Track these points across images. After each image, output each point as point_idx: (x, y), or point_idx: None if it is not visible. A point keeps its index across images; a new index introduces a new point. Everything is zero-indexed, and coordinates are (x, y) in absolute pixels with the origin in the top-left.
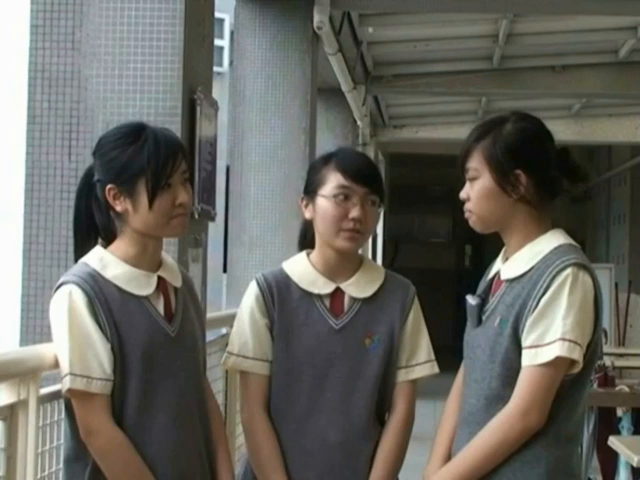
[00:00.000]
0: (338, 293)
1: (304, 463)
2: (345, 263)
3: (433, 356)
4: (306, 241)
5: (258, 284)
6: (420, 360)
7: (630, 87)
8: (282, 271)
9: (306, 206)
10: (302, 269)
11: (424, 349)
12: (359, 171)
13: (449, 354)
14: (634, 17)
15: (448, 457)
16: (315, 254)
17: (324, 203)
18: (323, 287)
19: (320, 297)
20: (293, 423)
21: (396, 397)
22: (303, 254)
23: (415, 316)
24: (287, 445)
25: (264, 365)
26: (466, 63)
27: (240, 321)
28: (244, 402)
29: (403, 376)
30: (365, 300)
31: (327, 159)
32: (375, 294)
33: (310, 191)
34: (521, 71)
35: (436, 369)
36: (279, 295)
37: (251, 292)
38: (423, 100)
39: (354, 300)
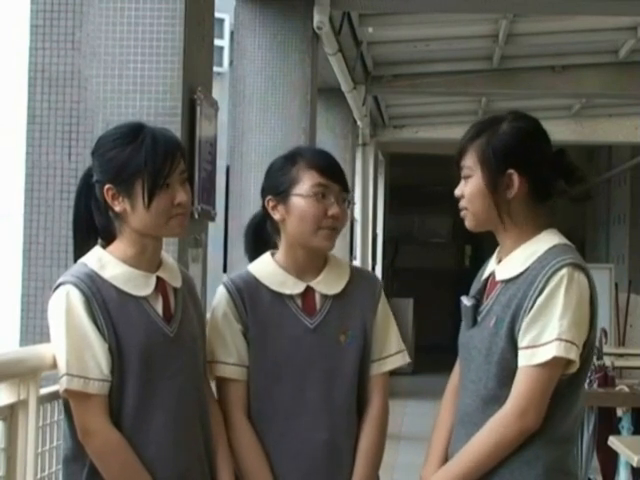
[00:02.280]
0: (309, 292)
1: (290, 464)
2: (314, 261)
3: (403, 346)
4: (257, 246)
5: (228, 289)
6: (392, 351)
7: (630, 87)
8: (249, 274)
9: (274, 207)
10: (270, 270)
11: (394, 340)
12: (333, 168)
13: (449, 353)
14: (634, 17)
15: (445, 458)
16: (281, 255)
17: (301, 202)
18: (294, 287)
19: (292, 297)
20: (276, 425)
21: (371, 390)
22: (268, 255)
23: (383, 308)
24: (272, 448)
25: (243, 370)
26: (466, 63)
27: (215, 328)
28: (225, 409)
29: (377, 369)
30: (335, 296)
31: (291, 158)
32: (344, 290)
33: (280, 192)
34: (521, 71)
35: (407, 359)
36: (250, 299)
37: (222, 298)
38: (423, 100)
39: (325, 297)
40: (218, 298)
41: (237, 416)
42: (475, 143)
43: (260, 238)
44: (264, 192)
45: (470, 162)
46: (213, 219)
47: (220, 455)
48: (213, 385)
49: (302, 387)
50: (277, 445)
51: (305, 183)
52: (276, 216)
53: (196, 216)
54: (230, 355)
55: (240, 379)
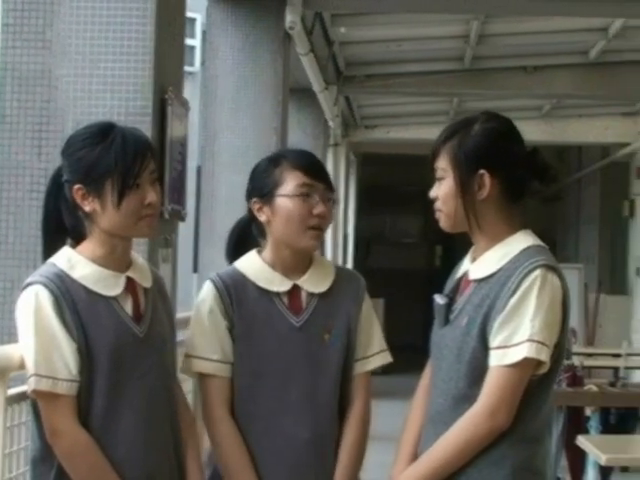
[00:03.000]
0: (295, 290)
1: (273, 463)
2: (300, 261)
3: (385, 345)
4: (238, 248)
5: (215, 285)
6: (374, 350)
7: (600, 88)
8: (236, 271)
9: (260, 209)
10: (257, 268)
11: (377, 339)
12: (316, 168)
13: (420, 353)
14: (604, 18)
15: (415, 456)
16: (268, 253)
17: (287, 203)
18: (280, 284)
19: (278, 295)
20: (260, 424)
21: (355, 389)
22: (254, 253)
23: (367, 307)
24: (255, 446)
25: (227, 367)
26: (438, 63)
27: (199, 323)
28: (209, 407)
29: (360, 368)
30: (321, 295)
31: (275, 160)
32: (329, 289)
33: (264, 194)
34: (492, 72)
35: (389, 358)
36: (237, 295)
37: (209, 293)
38: (395, 100)
39: (311, 296)
40: (205, 293)
41: (220, 413)
42: (448, 145)
43: (243, 242)
44: (249, 194)
45: (443, 164)
46: (183, 219)
47: (189, 455)
48: (185, 384)
49: (286, 385)
50: (260, 443)
51: (289, 183)
52: (262, 218)
53: (166, 216)
54: (215, 351)
55: (224, 376)
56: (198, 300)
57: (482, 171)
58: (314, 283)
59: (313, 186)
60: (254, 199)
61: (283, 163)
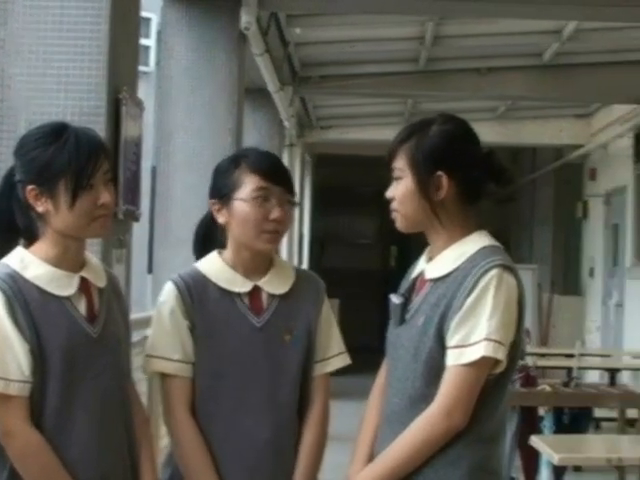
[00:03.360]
0: (256, 291)
1: (234, 463)
2: (260, 262)
3: (344, 347)
4: (206, 247)
5: (177, 285)
6: (334, 352)
7: (554, 90)
8: (197, 271)
9: (219, 210)
10: (218, 268)
11: (336, 341)
12: (275, 171)
13: (375, 354)
14: (558, 21)
15: (371, 457)
16: (229, 254)
17: (243, 206)
18: (242, 285)
19: (239, 296)
20: (221, 424)
21: (314, 391)
22: (215, 254)
23: (326, 309)
24: (216, 447)
25: (188, 367)
26: (393, 65)
27: (160, 323)
28: (170, 407)
29: (319, 369)
30: (282, 297)
31: (236, 161)
32: (290, 290)
33: (223, 195)
34: (447, 73)
35: (348, 360)
36: (198, 295)
37: (170, 293)
38: (350, 101)
39: (272, 297)
40: (166, 294)
41: (181, 413)
42: (405, 145)
43: (209, 238)
44: (210, 194)
45: (400, 164)
46: (138, 220)
47: (143, 456)
48: (140, 385)
49: (247, 386)
50: (221, 443)
51: (246, 187)
52: (220, 219)
53: (120, 217)
54: (175, 351)
55: (185, 376)
56: (159, 300)
57: (439, 173)
58: (274, 284)
59: (270, 190)
60: (213, 200)
61: (242, 165)
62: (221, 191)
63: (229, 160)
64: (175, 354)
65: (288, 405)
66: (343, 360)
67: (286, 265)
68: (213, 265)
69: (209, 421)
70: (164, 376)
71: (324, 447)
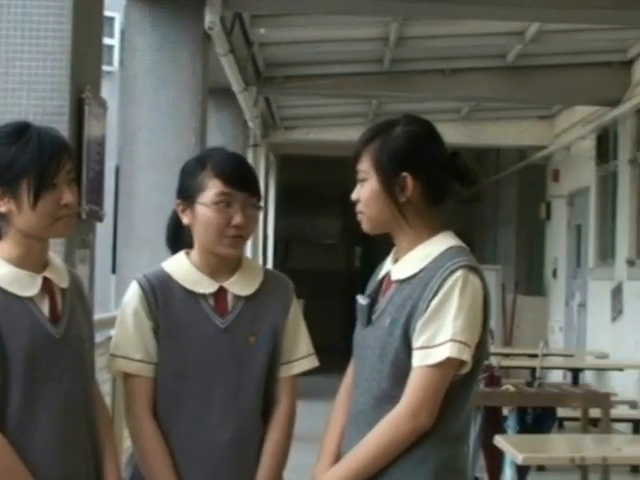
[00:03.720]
0: (222, 292)
1: (196, 464)
2: (226, 263)
3: (312, 349)
4: (178, 242)
5: (141, 285)
6: (301, 354)
7: (517, 91)
8: (163, 271)
9: (183, 211)
10: (184, 269)
11: (304, 344)
12: (239, 176)
13: (339, 355)
14: (521, 23)
15: (338, 456)
16: (195, 255)
17: (205, 211)
18: (207, 287)
19: (204, 297)
20: (183, 425)
21: (279, 393)
22: (182, 254)
23: (294, 311)
24: (178, 448)
25: (150, 368)
26: (357, 65)
27: (124, 323)
28: (131, 406)
29: (286, 371)
30: (248, 298)
31: (202, 162)
32: (257, 292)
33: (187, 197)
34: (411, 74)
35: (316, 362)
36: (162, 296)
37: (134, 293)
38: (314, 102)
39: (237, 299)
40: (130, 294)
41: (141, 414)
42: (369, 147)
43: (179, 235)
44: (177, 194)
45: (365, 166)
46: (101, 220)
47: (107, 456)
48: (104, 386)
49: (210, 387)
50: (183, 445)
51: (209, 191)
52: (185, 220)
53: (84, 217)
54: (137, 351)
55: (147, 376)
56: (124, 300)
57: (404, 173)
58: (241, 286)
59: (233, 195)
60: (178, 200)
61: (208, 167)
62: (186, 192)
63: (195, 160)
64: (137, 354)
65: (252, 407)
66: (311, 362)
67: (255, 266)
68: (179, 266)
69: (172, 422)
70: (127, 376)
71: (288, 448)
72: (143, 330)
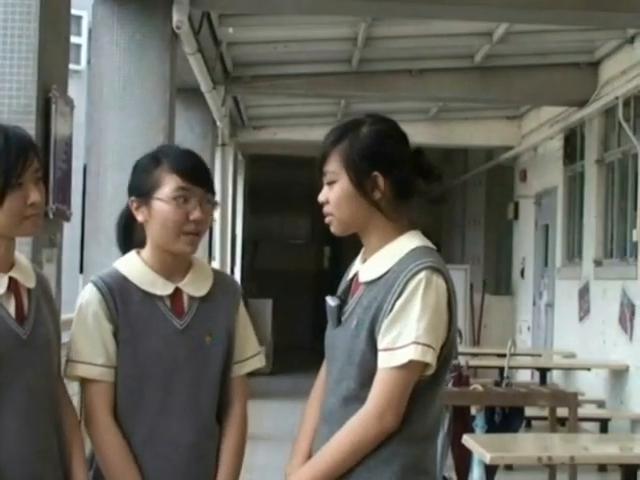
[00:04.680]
0: (177, 293)
1: (158, 467)
2: (179, 263)
3: (260, 348)
4: (129, 241)
5: (98, 288)
6: (250, 354)
7: (485, 92)
8: (118, 273)
9: (137, 209)
10: (139, 270)
11: (253, 342)
12: (195, 172)
13: (308, 354)
14: (489, 23)
15: (310, 455)
16: (148, 255)
17: (163, 207)
18: (163, 288)
19: (161, 298)
20: (144, 428)
21: (233, 392)
22: (134, 254)
23: (243, 311)
24: (139, 451)
25: (111, 371)
26: (325, 65)
27: (83, 327)
28: (92, 414)
29: (237, 371)
30: (202, 299)
31: (156, 159)
32: (209, 292)
33: (142, 194)
34: (379, 74)
35: (263, 361)
36: (121, 298)
37: (92, 296)
38: (282, 101)
39: (192, 299)
40: (88, 297)
41: (103, 417)
42: (337, 148)
43: (131, 231)
44: (129, 191)
45: (334, 167)
46: (68, 219)
47: (75, 459)
48: (71, 387)
49: (170, 388)
50: (144, 446)
51: (166, 187)
52: (139, 217)
53: (51, 216)
54: (99, 356)
55: (108, 380)
56: (81, 303)
57: (375, 173)
58: (194, 286)
59: (190, 190)
60: (132, 197)
61: (163, 164)
62: (140, 189)
63: (149, 157)
64: (99, 358)
65: (209, 407)
66: (259, 361)
67: (204, 265)
68: (133, 266)
69: (132, 424)
70: (86, 381)
71: (244, 450)
72: (104, 334)
